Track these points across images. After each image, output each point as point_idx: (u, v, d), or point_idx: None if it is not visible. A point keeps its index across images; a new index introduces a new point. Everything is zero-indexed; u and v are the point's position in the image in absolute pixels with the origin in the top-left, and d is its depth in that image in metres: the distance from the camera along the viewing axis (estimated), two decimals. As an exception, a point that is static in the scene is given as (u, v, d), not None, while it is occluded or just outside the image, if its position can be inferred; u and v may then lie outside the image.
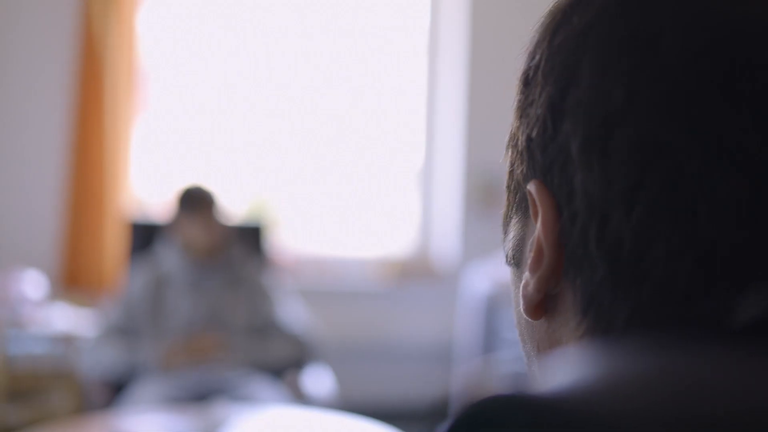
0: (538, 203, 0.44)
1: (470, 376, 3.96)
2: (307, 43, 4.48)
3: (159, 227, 3.17)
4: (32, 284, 3.56)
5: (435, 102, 4.63)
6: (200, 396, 2.68)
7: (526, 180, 0.46)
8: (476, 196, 4.46)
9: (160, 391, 2.67)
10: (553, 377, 0.42)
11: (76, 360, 3.13)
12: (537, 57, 0.46)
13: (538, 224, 0.44)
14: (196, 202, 2.90)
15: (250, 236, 3.29)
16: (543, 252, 0.44)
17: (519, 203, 0.48)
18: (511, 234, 0.50)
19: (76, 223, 3.90)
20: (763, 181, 0.39)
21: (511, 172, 0.49)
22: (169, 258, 2.90)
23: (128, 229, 3.38)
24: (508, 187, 0.50)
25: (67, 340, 3.29)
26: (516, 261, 0.49)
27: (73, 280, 3.90)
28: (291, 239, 4.37)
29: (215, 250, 2.91)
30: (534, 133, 0.45)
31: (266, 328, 2.90)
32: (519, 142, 0.47)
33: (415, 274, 4.46)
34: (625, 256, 0.41)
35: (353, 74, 4.54)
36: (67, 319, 3.47)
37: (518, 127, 0.48)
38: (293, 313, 3.00)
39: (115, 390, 2.82)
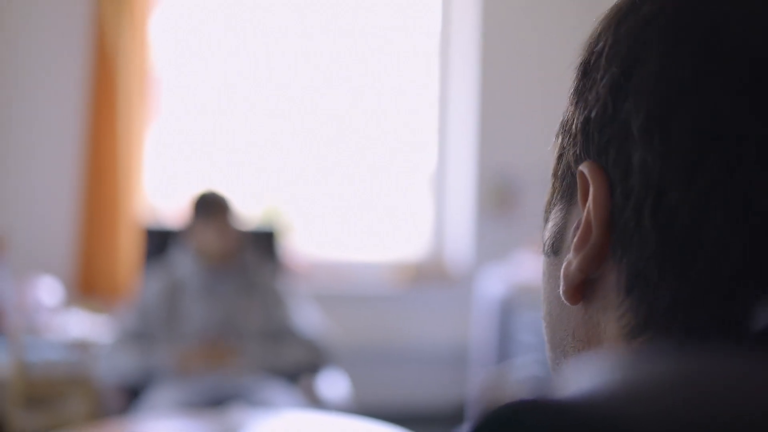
0: (591, 181, 0.45)
1: (486, 380, 3.94)
2: (319, 47, 4.48)
3: (173, 233, 3.18)
4: (48, 291, 3.58)
5: (447, 105, 4.62)
6: (216, 401, 2.68)
7: (579, 162, 0.47)
8: (489, 198, 4.45)
9: (175, 397, 2.67)
10: (576, 380, 0.42)
11: (92, 366, 3.14)
12: (600, 44, 0.48)
13: (589, 202, 0.45)
14: (210, 207, 2.91)
15: (264, 241, 3.30)
16: (591, 230, 0.45)
17: (565, 190, 0.49)
18: (552, 222, 0.51)
19: (90, 229, 3.92)
20: None
21: (560, 157, 0.50)
22: (183, 263, 2.91)
23: (143, 235, 3.39)
24: (555, 174, 0.51)
25: (82, 347, 3.30)
26: (555, 249, 0.50)
27: (88, 287, 3.92)
28: (305, 244, 4.37)
29: (229, 256, 2.91)
30: (593, 114, 0.46)
31: (281, 333, 2.90)
32: (573, 126, 0.48)
33: (429, 277, 4.45)
34: (677, 232, 0.42)
35: (365, 78, 4.54)
36: (83, 326, 3.49)
37: (573, 112, 0.48)
38: (308, 317, 3.00)
39: (131, 396, 2.83)
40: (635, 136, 0.43)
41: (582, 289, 0.46)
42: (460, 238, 4.52)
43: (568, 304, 0.48)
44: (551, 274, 0.50)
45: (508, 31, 4.47)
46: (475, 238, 4.44)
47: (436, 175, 4.63)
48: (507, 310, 3.99)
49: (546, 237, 0.51)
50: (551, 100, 4.85)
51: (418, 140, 4.62)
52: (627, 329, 0.44)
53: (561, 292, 0.47)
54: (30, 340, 3.26)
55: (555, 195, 0.51)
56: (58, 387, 3.23)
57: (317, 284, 4.19)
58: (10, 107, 3.93)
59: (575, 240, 0.46)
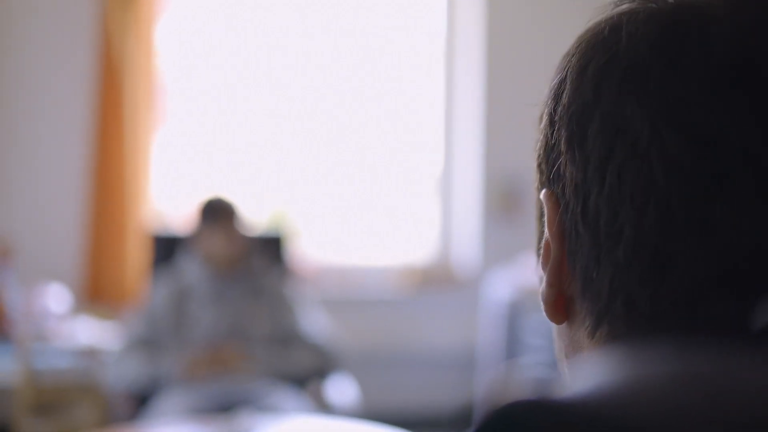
0: (544, 204, 0.50)
1: (494, 383, 3.94)
2: (324, 52, 4.49)
3: (180, 239, 3.18)
4: (56, 298, 3.59)
5: (453, 108, 4.62)
6: (224, 407, 2.68)
7: (539, 191, 0.53)
8: (496, 202, 4.45)
9: (184, 403, 2.68)
10: (578, 381, 0.43)
11: (100, 373, 3.15)
12: (554, 79, 0.55)
13: (545, 222, 0.50)
14: (217, 213, 2.91)
15: (271, 247, 3.30)
16: (549, 245, 0.49)
17: (541, 214, 0.54)
18: (537, 234, 0.55)
19: (98, 236, 3.93)
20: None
21: (537, 188, 0.55)
22: (191, 270, 2.92)
23: (150, 242, 3.40)
24: (536, 206, 0.56)
25: (91, 354, 3.31)
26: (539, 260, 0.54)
27: (96, 294, 3.93)
28: (312, 249, 4.37)
29: (237, 261, 2.92)
30: (542, 149, 0.53)
31: (288, 338, 2.90)
32: (537, 160, 0.54)
33: (436, 281, 4.45)
34: (602, 226, 0.46)
35: (371, 82, 4.55)
36: (91, 333, 3.49)
37: (537, 148, 0.55)
38: (315, 322, 3.00)
39: (139, 402, 2.83)
40: (563, 154, 0.50)
41: (563, 307, 0.50)
42: (467, 242, 4.52)
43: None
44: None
45: (514, 33, 4.47)
46: (482, 241, 4.44)
47: (443, 179, 4.62)
48: (514, 314, 3.98)
49: (538, 252, 0.54)
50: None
51: (425, 144, 4.62)
52: (587, 332, 0.47)
53: (544, 313, 0.50)
54: (38, 348, 3.26)
55: (537, 219, 0.55)
56: (67, 394, 3.24)
57: (324, 289, 4.19)
58: (18, 115, 3.94)
59: (541, 259, 0.50)
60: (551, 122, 0.52)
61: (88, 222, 3.94)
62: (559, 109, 0.51)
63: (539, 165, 0.53)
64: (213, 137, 4.39)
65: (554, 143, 0.51)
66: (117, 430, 2.62)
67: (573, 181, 0.48)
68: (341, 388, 2.98)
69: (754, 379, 0.38)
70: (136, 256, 3.91)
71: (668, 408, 0.37)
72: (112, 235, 3.92)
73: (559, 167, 0.50)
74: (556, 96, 0.52)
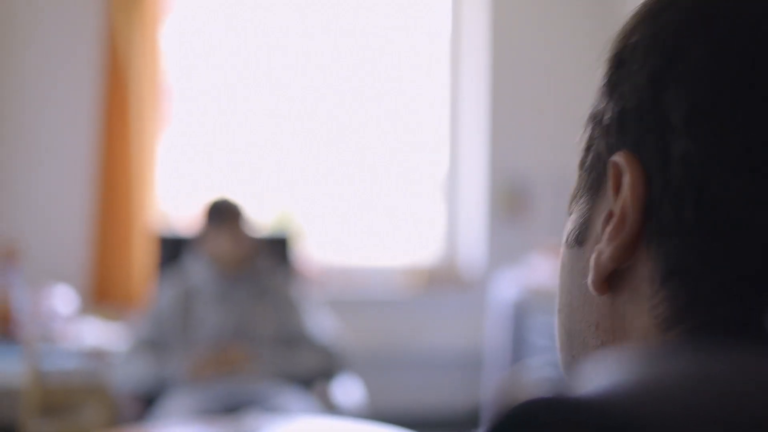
0: (627, 170, 0.45)
1: (501, 383, 3.93)
2: (329, 54, 4.49)
3: (186, 241, 3.19)
4: (62, 300, 3.60)
5: (458, 109, 4.62)
6: (230, 408, 2.69)
7: (611, 152, 0.46)
8: (502, 202, 4.44)
9: (190, 404, 2.68)
10: (594, 377, 0.42)
11: (107, 374, 3.16)
12: (635, 37, 0.47)
13: (625, 191, 0.45)
14: (223, 214, 2.92)
15: (277, 248, 3.30)
16: (627, 219, 0.45)
17: (593, 182, 0.49)
18: (577, 213, 0.50)
19: (104, 238, 3.94)
20: None
21: (588, 149, 0.50)
22: (196, 271, 2.92)
23: (156, 243, 3.40)
24: (582, 165, 0.50)
25: (98, 355, 3.31)
26: (579, 240, 0.49)
27: (102, 295, 3.93)
28: (317, 250, 4.37)
29: (242, 262, 2.92)
30: (630, 105, 0.46)
31: (294, 339, 2.91)
32: (607, 117, 0.48)
33: (442, 281, 4.45)
34: (723, 226, 0.41)
35: (376, 83, 4.55)
36: (98, 334, 3.50)
37: (606, 104, 0.48)
38: (321, 323, 3.00)
39: (146, 403, 2.84)
40: (676, 127, 0.43)
41: (609, 279, 0.46)
42: (473, 242, 4.51)
43: (593, 294, 0.47)
44: (574, 265, 0.50)
45: (519, 33, 4.47)
46: (488, 241, 4.44)
47: (448, 180, 4.62)
48: (520, 314, 3.97)
49: (570, 228, 0.51)
50: (563, 102, 4.86)
51: (430, 144, 4.62)
52: (660, 320, 0.43)
53: (589, 282, 0.47)
54: (45, 349, 3.27)
55: (582, 186, 0.50)
56: (74, 395, 3.25)
57: (330, 290, 4.20)
58: (24, 117, 3.95)
59: (609, 229, 0.45)
60: (657, 79, 0.44)
61: (94, 223, 3.95)
62: (678, 69, 0.44)
63: (620, 120, 0.46)
64: (218, 138, 4.40)
65: (658, 107, 0.44)
66: (124, 431, 2.63)
67: (686, 161, 0.42)
68: (347, 389, 2.98)
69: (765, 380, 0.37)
70: (142, 257, 3.92)
71: (681, 410, 0.36)
72: (119, 236, 3.93)
73: (659, 137, 0.44)
74: (671, 50, 0.44)
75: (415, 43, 4.59)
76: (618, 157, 0.45)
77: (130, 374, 2.82)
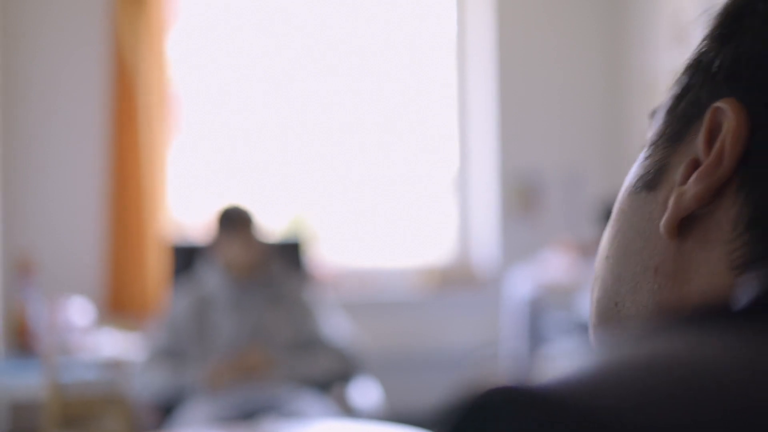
0: (732, 115, 0.44)
1: (518, 379, 3.92)
2: (338, 56, 4.50)
3: (199, 249, 3.20)
4: (79, 311, 3.61)
5: (467, 108, 4.62)
6: (248, 414, 2.69)
7: (715, 98, 0.46)
8: (513, 199, 4.44)
9: (208, 411, 2.69)
10: (587, 357, 0.41)
11: (125, 384, 3.17)
12: None
13: (725, 135, 0.44)
14: (235, 221, 2.92)
15: (290, 253, 3.31)
16: (721, 162, 0.44)
17: (680, 128, 0.49)
18: (652, 157, 0.50)
19: (118, 248, 3.95)
20: None
21: (682, 96, 0.50)
22: (210, 278, 2.93)
23: (169, 253, 3.41)
24: (670, 111, 0.50)
25: (116, 365, 3.33)
26: (650, 184, 0.49)
27: (118, 306, 3.95)
28: (331, 253, 4.38)
29: (256, 268, 2.93)
30: (746, 57, 0.46)
31: (310, 343, 2.91)
32: (714, 65, 0.48)
33: (456, 281, 4.45)
34: None
35: (384, 84, 4.55)
36: (115, 345, 3.52)
37: (717, 51, 0.48)
38: (336, 326, 3.00)
39: (164, 412, 2.85)
40: None
41: (681, 224, 0.46)
42: (486, 241, 4.51)
43: (659, 237, 0.47)
44: (637, 209, 0.50)
45: (525, 30, 4.46)
46: (501, 239, 4.43)
47: (459, 179, 4.62)
48: (536, 311, 3.97)
49: (640, 173, 0.50)
50: (570, 97, 4.84)
51: (440, 144, 4.62)
52: (735, 265, 0.43)
53: (663, 222, 0.47)
54: (63, 361, 3.29)
55: (664, 132, 0.50)
56: (93, 406, 3.26)
57: (345, 293, 4.20)
58: (34, 131, 3.98)
59: (700, 170, 0.45)
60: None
61: (107, 235, 3.97)
62: None
63: (733, 68, 0.46)
64: (228, 145, 4.41)
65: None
66: (144, 441, 2.64)
67: None
68: (365, 392, 2.98)
69: (739, 368, 0.36)
70: (156, 266, 3.93)
71: (637, 396, 0.35)
72: (132, 246, 3.95)
73: None
74: None
75: (421, 44, 4.59)
76: (724, 104, 0.45)
77: (148, 384, 2.83)
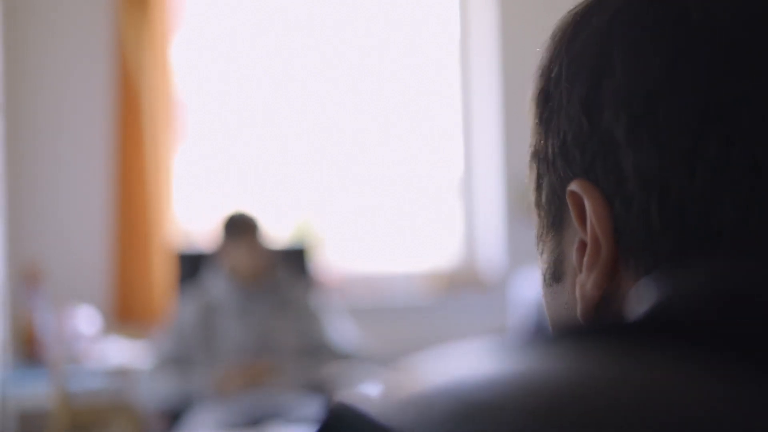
0: (586, 197, 0.45)
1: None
2: (341, 63, 4.50)
3: (205, 256, 3.20)
4: (86, 320, 3.62)
5: (471, 110, 4.61)
6: (256, 420, 2.69)
7: (563, 185, 0.47)
8: (518, 202, 4.43)
9: (216, 418, 2.69)
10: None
11: (133, 392, 3.17)
12: (555, 69, 0.48)
13: (590, 218, 0.45)
14: (240, 227, 2.93)
15: (295, 259, 3.31)
16: (600, 244, 0.44)
17: (554, 217, 0.49)
18: (547, 252, 0.50)
19: (124, 257, 3.96)
20: None
21: (539, 187, 0.50)
22: (216, 285, 2.93)
23: (175, 260, 3.42)
24: (538, 204, 0.51)
25: (123, 373, 3.33)
26: (556, 277, 0.49)
27: (124, 314, 3.95)
28: (336, 258, 4.38)
29: (262, 275, 2.93)
30: (569, 136, 0.46)
31: (317, 349, 2.91)
32: (548, 153, 0.48)
33: (462, 284, 4.44)
34: (691, 224, 0.42)
35: (387, 89, 4.55)
36: (122, 353, 3.52)
37: (544, 140, 0.48)
38: (343, 332, 3.00)
39: (172, 419, 2.85)
40: (621, 143, 0.43)
41: (597, 308, 0.46)
42: (492, 244, 4.50)
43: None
44: (556, 301, 0.50)
45: (528, 33, 4.46)
46: (507, 242, 4.42)
47: (464, 182, 4.62)
48: (542, 314, 3.95)
49: (544, 267, 0.51)
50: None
51: (444, 148, 4.62)
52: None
53: (579, 315, 0.46)
54: (71, 370, 3.29)
55: (544, 225, 0.50)
56: (101, 414, 3.26)
57: (351, 298, 4.20)
58: (38, 138, 3.99)
59: (586, 259, 0.45)
60: (589, 104, 0.45)
61: (114, 242, 3.98)
62: (606, 89, 0.44)
63: (563, 153, 0.47)
64: (233, 152, 4.41)
65: (597, 130, 0.44)
66: (152, 449, 2.64)
67: (640, 174, 0.43)
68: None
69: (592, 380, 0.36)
70: (163, 274, 3.94)
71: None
72: (138, 254, 3.95)
73: (607, 157, 0.44)
74: (594, 71, 0.45)
75: (424, 46, 4.59)
76: (574, 187, 0.45)
77: (155, 391, 2.83)
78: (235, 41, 4.40)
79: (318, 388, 2.85)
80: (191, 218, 4.26)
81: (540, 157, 0.49)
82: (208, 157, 4.38)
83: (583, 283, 0.46)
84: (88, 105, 4.02)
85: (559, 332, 0.42)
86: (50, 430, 3.15)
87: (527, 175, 0.51)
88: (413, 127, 4.58)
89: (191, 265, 3.28)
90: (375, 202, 4.54)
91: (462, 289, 4.43)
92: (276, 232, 3.30)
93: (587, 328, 0.42)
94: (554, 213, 0.49)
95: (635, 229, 0.43)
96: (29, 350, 3.58)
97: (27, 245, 3.91)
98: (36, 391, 3.32)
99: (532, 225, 0.52)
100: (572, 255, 0.47)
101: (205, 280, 3.01)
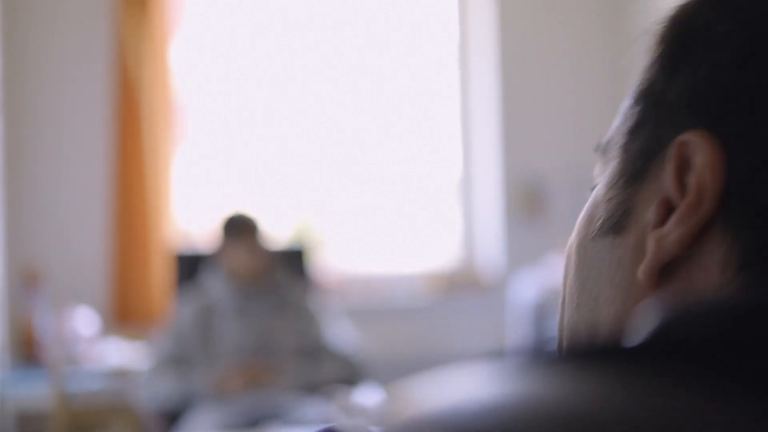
0: (703, 150, 0.41)
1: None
2: (341, 64, 4.50)
3: (204, 257, 3.20)
4: (85, 321, 3.62)
5: (470, 112, 4.62)
6: (255, 421, 2.69)
7: (678, 131, 0.43)
8: (517, 203, 4.43)
9: (215, 419, 2.69)
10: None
11: (132, 393, 3.17)
12: (706, 14, 0.44)
13: (702, 171, 0.41)
14: (239, 228, 2.93)
15: (295, 260, 3.31)
16: (703, 200, 0.41)
17: (639, 169, 0.45)
18: (614, 201, 0.46)
19: (123, 258, 3.96)
20: None
21: (635, 132, 0.46)
22: (215, 286, 2.93)
23: (174, 261, 3.42)
24: (625, 149, 0.46)
25: (122, 374, 3.33)
26: (616, 229, 0.45)
27: (123, 315, 3.95)
28: (335, 259, 4.37)
29: (261, 276, 2.93)
30: (706, 84, 0.42)
31: (316, 350, 2.91)
32: (671, 96, 0.44)
33: (461, 286, 4.44)
34: None
35: (387, 90, 4.55)
36: (121, 354, 3.52)
37: (667, 81, 0.45)
38: (342, 333, 3.00)
39: (171, 420, 2.85)
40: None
41: (664, 271, 0.42)
42: (491, 245, 4.50)
43: (637, 283, 0.43)
44: (605, 256, 0.46)
45: (529, 32, 4.46)
46: (506, 244, 4.42)
47: (463, 184, 4.62)
48: (541, 315, 3.96)
49: (603, 216, 0.46)
50: (573, 99, 4.83)
51: (443, 149, 4.62)
52: None
53: (644, 269, 0.43)
54: (70, 371, 3.29)
55: (622, 172, 0.46)
56: (100, 416, 3.26)
57: (350, 299, 4.19)
58: (37, 140, 3.99)
59: (679, 211, 0.42)
60: (745, 57, 0.41)
61: (112, 244, 3.97)
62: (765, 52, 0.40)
63: (692, 99, 0.43)
64: (232, 153, 4.42)
65: (739, 89, 0.41)
66: (151, 450, 2.64)
67: None
68: (370, 398, 2.97)
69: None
70: (161, 275, 3.94)
71: None
72: (137, 255, 3.95)
73: (746, 118, 0.41)
74: (755, 34, 0.41)
75: (423, 48, 4.59)
76: (691, 137, 0.42)
77: (154, 392, 2.83)
78: (234, 42, 4.40)
79: (317, 389, 2.85)
80: (190, 219, 4.26)
81: (653, 99, 0.45)
82: (207, 158, 4.38)
83: (665, 234, 0.42)
84: (87, 105, 4.02)
85: (565, 352, 0.39)
86: (49, 431, 3.15)
87: (622, 116, 0.47)
88: (413, 127, 4.58)
89: (190, 266, 3.28)
90: (374, 203, 4.54)
91: (461, 291, 4.43)
92: (275, 233, 3.30)
93: (598, 347, 0.38)
94: (642, 164, 0.45)
95: (754, 197, 0.40)
96: (28, 351, 3.58)
97: (26, 246, 3.91)
98: (35, 392, 3.32)
99: (600, 167, 0.48)
100: (646, 211, 0.43)
101: (204, 281, 3.01)
